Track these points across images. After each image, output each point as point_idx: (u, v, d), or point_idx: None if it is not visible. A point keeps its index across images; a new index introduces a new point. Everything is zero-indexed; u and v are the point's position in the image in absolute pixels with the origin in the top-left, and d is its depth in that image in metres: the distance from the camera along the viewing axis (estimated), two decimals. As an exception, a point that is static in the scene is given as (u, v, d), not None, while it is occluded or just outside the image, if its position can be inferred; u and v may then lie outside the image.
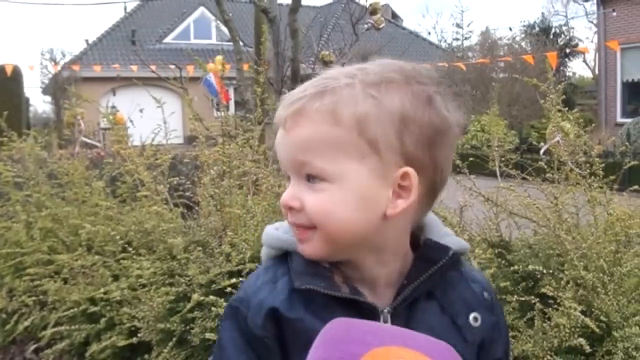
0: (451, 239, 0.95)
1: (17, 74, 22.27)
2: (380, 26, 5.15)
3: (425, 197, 0.91)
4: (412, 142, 0.86)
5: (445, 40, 31.15)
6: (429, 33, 36.30)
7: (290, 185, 0.90)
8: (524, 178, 2.76)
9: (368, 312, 0.88)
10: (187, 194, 3.29)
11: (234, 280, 2.31)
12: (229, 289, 2.25)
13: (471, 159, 3.34)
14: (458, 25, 29.42)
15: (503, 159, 2.97)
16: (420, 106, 0.87)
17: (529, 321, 2.07)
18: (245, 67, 4.75)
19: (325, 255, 0.89)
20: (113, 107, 4.31)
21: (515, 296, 2.07)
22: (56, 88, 25.45)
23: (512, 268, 2.24)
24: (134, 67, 13.17)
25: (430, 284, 0.90)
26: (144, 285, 2.60)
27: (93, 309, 3.10)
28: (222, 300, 2.27)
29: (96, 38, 27.16)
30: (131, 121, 4.06)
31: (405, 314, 0.90)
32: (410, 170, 0.86)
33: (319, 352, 0.70)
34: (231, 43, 5.03)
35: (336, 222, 0.85)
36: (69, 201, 3.96)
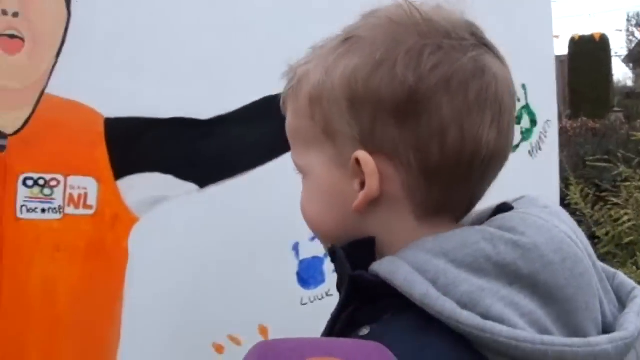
0: (392, 262, 0.64)
1: (604, 42, 22.35)
2: None
3: (422, 181, 0.65)
4: (365, 120, 0.65)
5: None
6: None
7: None
8: None
9: None
10: None
11: None
12: None
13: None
14: None
15: None
16: (372, 73, 0.64)
17: None
18: None
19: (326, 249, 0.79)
20: None
21: None
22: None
23: None
24: None
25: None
26: None
27: None
28: None
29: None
30: None
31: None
32: (360, 154, 0.65)
33: None
34: None
35: (309, 220, 0.74)
36: None
